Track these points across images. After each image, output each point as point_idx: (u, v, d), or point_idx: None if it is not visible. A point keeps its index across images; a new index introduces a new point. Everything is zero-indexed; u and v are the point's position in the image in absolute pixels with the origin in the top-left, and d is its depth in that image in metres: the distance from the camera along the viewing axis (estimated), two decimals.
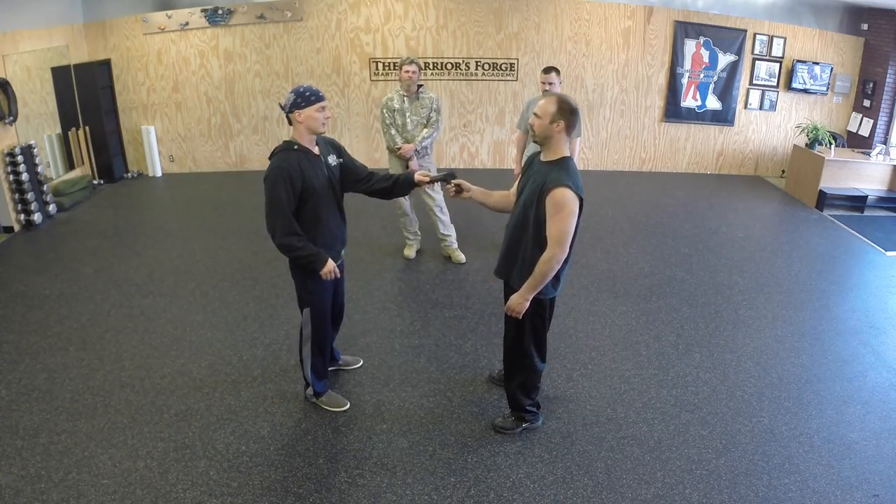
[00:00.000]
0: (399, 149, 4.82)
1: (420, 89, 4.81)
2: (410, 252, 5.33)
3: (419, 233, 5.37)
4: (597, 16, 7.63)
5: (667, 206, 6.94)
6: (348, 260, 5.08)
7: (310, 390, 3.35)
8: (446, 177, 3.03)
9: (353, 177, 3.13)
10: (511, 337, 3.06)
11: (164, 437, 3.12)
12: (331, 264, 2.97)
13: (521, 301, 2.83)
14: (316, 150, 2.96)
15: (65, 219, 6.27)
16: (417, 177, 3.11)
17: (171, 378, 3.62)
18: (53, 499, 2.71)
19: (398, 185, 3.17)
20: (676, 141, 8.25)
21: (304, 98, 2.80)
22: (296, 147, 2.87)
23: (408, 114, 4.78)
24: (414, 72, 4.68)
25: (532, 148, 4.97)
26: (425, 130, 4.84)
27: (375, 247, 5.55)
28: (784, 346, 4.13)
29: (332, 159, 3.04)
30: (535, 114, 2.74)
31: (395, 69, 7.65)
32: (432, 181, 3.10)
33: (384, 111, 4.82)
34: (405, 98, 4.77)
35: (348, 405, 3.38)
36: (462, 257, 5.28)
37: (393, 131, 4.81)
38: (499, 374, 3.58)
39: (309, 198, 2.87)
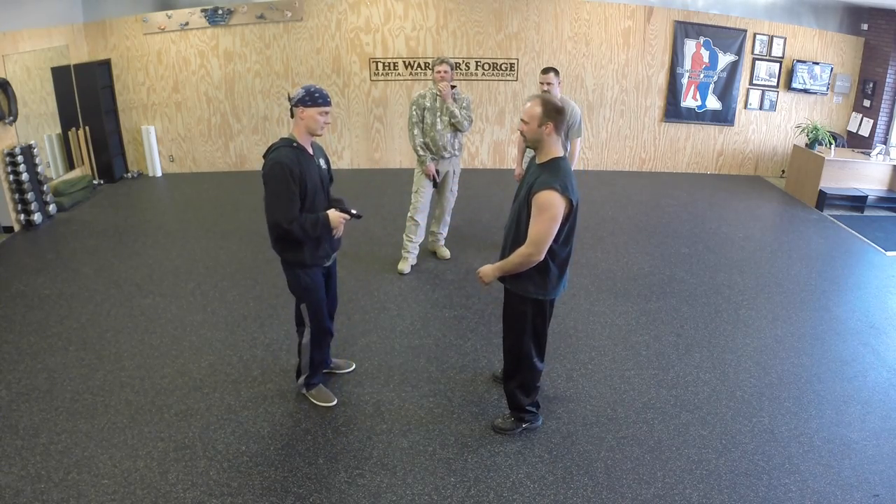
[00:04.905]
0: (425, 164, 4.80)
1: (454, 90, 4.76)
2: (405, 266, 5.04)
3: (419, 247, 5.16)
4: (597, 16, 7.63)
5: (667, 206, 6.93)
6: (348, 260, 5.13)
7: (301, 380, 3.37)
8: (355, 215, 3.08)
9: None
10: (511, 336, 3.07)
11: (164, 437, 3.12)
12: (335, 214, 2.99)
13: (490, 274, 2.90)
14: (311, 150, 3.01)
15: (65, 219, 6.27)
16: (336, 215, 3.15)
17: (171, 378, 3.62)
18: (53, 499, 2.71)
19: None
20: (676, 141, 8.25)
21: (312, 98, 2.87)
22: (294, 144, 2.92)
23: (438, 113, 4.73)
24: (446, 71, 4.63)
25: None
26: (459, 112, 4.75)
27: (375, 246, 5.55)
28: (784, 346, 4.13)
29: (322, 163, 3.11)
30: (522, 120, 2.75)
31: (394, 69, 7.66)
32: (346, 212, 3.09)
33: (413, 108, 4.75)
34: (437, 97, 4.73)
35: (336, 401, 3.39)
36: (447, 253, 5.29)
37: (416, 130, 4.76)
38: (502, 374, 3.58)
39: (304, 197, 2.92)
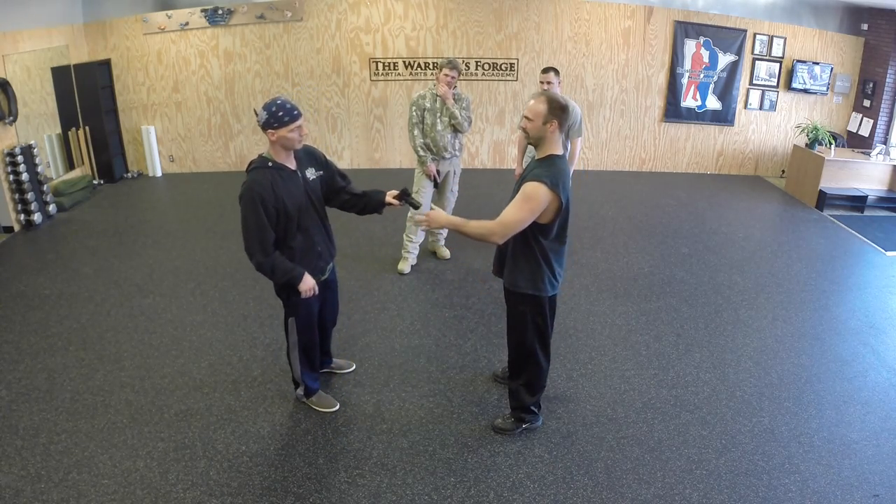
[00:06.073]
0: (426, 164, 4.78)
1: (454, 91, 4.74)
2: (405, 266, 5.05)
3: (419, 247, 5.16)
4: (597, 16, 7.63)
5: (667, 206, 6.93)
6: (348, 260, 5.13)
7: (300, 390, 3.34)
8: (412, 202, 3.09)
9: (330, 188, 3.07)
10: (514, 335, 3.06)
11: (164, 437, 3.12)
12: (309, 281, 2.88)
13: (441, 221, 2.81)
14: (293, 164, 2.84)
15: (65, 219, 6.27)
16: (388, 198, 3.07)
17: (171, 378, 3.62)
18: (53, 499, 2.71)
19: (369, 204, 3.12)
20: (676, 141, 8.25)
21: (277, 119, 2.68)
22: (270, 164, 2.77)
23: (438, 114, 4.71)
24: (453, 77, 4.62)
25: (533, 149, 4.98)
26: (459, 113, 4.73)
27: (375, 246, 5.55)
28: (784, 346, 4.13)
29: (311, 173, 2.93)
30: (525, 117, 2.73)
31: (394, 69, 7.66)
32: (401, 198, 3.07)
33: (413, 109, 4.73)
34: (437, 98, 4.70)
35: (337, 406, 3.37)
36: (447, 253, 5.28)
37: (416, 131, 4.74)
38: (503, 373, 3.58)
39: (285, 219, 2.79)
